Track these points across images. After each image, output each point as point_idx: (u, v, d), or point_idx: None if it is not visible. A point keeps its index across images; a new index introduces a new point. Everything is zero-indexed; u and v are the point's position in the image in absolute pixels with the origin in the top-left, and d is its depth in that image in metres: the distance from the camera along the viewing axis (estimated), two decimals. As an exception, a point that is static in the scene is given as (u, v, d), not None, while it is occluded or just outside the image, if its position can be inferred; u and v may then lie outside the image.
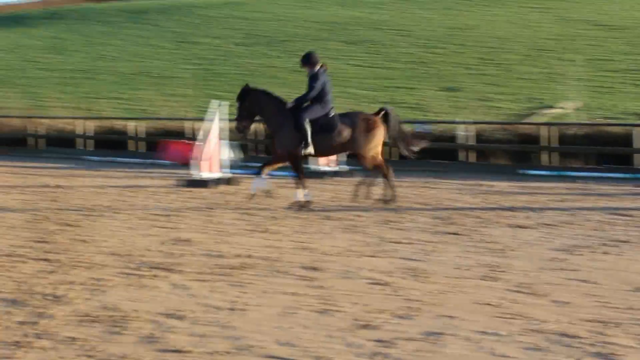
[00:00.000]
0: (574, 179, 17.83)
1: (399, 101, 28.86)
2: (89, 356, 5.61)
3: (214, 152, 16.78)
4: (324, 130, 13.21)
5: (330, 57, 36.92)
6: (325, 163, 18.97)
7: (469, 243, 9.84)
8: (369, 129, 13.30)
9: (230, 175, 17.09)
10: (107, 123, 28.15)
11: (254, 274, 8.14)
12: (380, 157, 13.49)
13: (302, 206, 13.08)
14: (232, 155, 18.71)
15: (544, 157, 20.54)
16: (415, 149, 14.09)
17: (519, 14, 45.23)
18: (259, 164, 14.46)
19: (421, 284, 7.63)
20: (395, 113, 14.01)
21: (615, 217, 11.93)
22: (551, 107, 26.36)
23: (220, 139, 16.98)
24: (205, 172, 16.58)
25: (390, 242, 9.96)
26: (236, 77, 31.94)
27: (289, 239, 10.23)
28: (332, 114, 13.37)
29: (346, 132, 13.24)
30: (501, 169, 20.18)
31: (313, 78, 13.36)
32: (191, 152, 17.43)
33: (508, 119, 24.73)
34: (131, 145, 26.15)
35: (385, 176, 13.45)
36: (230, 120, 16.38)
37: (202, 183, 16.35)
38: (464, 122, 21.84)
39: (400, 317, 6.49)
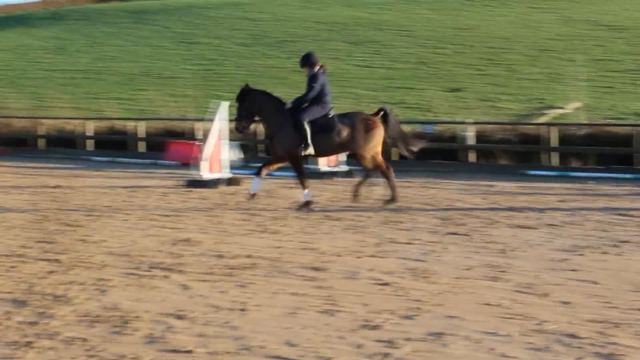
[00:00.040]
0: (580, 179, 17.82)
1: (402, 101, 28.85)
2: (91, 356, 5.62)
3: (216, 153, 16.80)
4: (324, 130, 13.24)
5: (332, 58, 36.93)
6: (327, 163, 18.99)
7: (472, 243, 9.85)
8: (368, 129, 13.33)
9: (232, 175, 17.11)
10: (109, 123, 28.20)
11: (257, 274, 8.15)
12: (380, 157, 13.52)
13: (304, 206, 13.10)
14: (234, 155, 18.74)
15: (547, 158, 20.54)
16: (415, 149, 14.12)
17: (521, 14, 45.16)
18: (260, 164, 14.48)
19: (424, 284, 7.64)
20: (395, 113, 14.02)
21: (618, 217, 11.93)
22: (553, 107, 26.33)
23: (222, 139, 17.00)
24: (208, 173, 16.60)
25: (393, 242, 9.97)
26: (238, 78, 31.89)
27: (292, 239, 10.24)
28: (332, 114, 13.41)
29: (345, 132, 13.27)
30: (504, 169, 20.18)
31: (312, 78, 13.39)
32: (193, 153, 17.46)
33: (511, 119, 24.71)
34: (133, 146, 26.19)
35: (385, 176, 13.47)
36: (231, 120, 16.41)
37: (205, 183, 16.37)
38: (466, 122, 21.84)
39: (403, 317, 6.50)
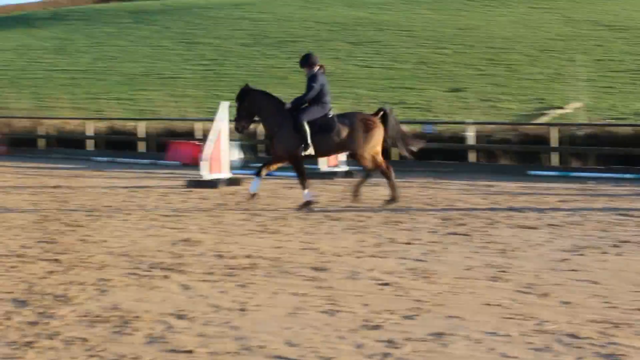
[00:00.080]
0: (582, 179, 17.81)
1: (404, 102, 28.85)
2: (92, 356, 5.62)
3: (221, 153, 16.81)
4: (323, 130, 13.25)
5: (333, 58, 36.95)
6: (327, 163, 19.00)
7: (475, 243, 9.85)
8: (368, 129, 13.34)
9: (237, 175, 17.11)
10: (110, 123, 28.22)
11: (257, 274, 8.15)
12: (380, 157, 13.53)
13: (304, 206, 13.10)
14: (238, 155, 18.76)
15: (553, 158, 20.53)
16: (414, 149, 14.14)
17: (522, 14, 45.17)
18: (260, 164, 14.48)
19: (428, 285, 7.64)
20: (394, 113, 14.02)
21: (622, 217, 11.92)
22: (554, 107, 26.33)
23: (228, 139, 17.01)
24: (212, 173, 16.60)
25: (393, 242, 9.97)
26: (239, 78, 31.93)
27: (296, 240, 10.24)
28: (331, 114, 13.42)
29: (345, 132, 13.28)
30: (507, 169, 20.18)
31: (312, 79, 13.41)
32: (198, 153, 17.47)
33: (511, 119, 24.71)
34: (140, 146, 26.19)
35: (386, 176, 13.48)
36: (231, 120, 16.43)
37: (209, 184, 16.38)
38: (470, 123, 21.84)
39: (407, 317, 6.50)
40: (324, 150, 13.64)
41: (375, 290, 7.46)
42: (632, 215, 12.08)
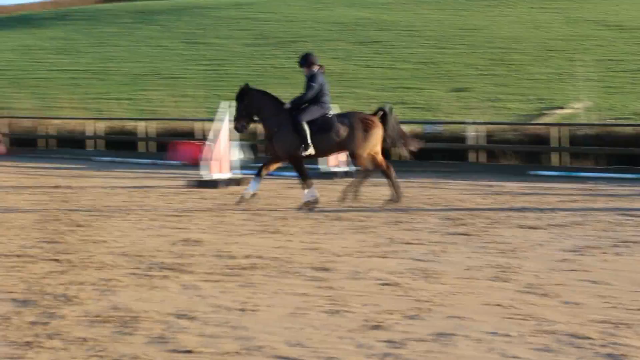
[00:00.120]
0: (583, 179, 17.80)
1: (408, 101, 28.85)
2: (96, 356, 5.61)
3: (224, 153, 16.81)
4: (322, 130, 13.26)
5: (335, 58, 36.96)
6: (331, 163, 19.00)
7: (479, 244, 9.84)
8: (367, 128, 13.35)
9: (240, 176, 17.11)
10: (116, 124, 28.23)
11: (264, 275, 8.14)
12: (380, 156, 13.54)
13: (306, 206, 13.10)
14: (242, 155, 18.76)
15: (554, 158, 20.52)
16: (413, 149, 14.15)
17: (528, 15, 45.16)
18: (260, 164, 14.47)
19: (431, 285, 7.63)
20: (394, 113, 14.02)
21: (626, 217, 11.91)
22: (561, 107, 26.32)
23: (230, 139, 17.01)
24: (215, 173, 16.60)
25: (400, 242, 9.96)
26: (242, 78, 31.96)
27: (299, 240, 10.24)
28: (330, 114, 13.42)
29: (344, 132, 13.28)
30: (511, 169, 20.18)
31: (311, 78, 13.41)
32: (201, 153, 17.47)
33: (518, 119, 24.70)
34: (141, 146, 26.21)
35: (387, 176, 13.48)
36: (231, 120, 16.42)
37: (212, 184, 16.38)
38: (473, 123, 21.84)
39: (411, 317, 6.49)
40: (323, 150, 13.65)
41: (377, 290, 7.45)
42: (633, 215, 12.07)
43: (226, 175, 16.84)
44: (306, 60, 13.61)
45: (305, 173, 13.45)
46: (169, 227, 11.30)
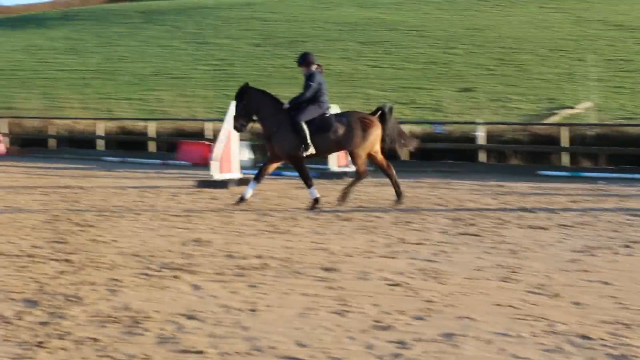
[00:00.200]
0: (593, 180, 17.76)
1: (415, 101, 28.83)
2: (106, 356, 5.63)
3: (232, 153, 16.83)
4: (321, 129, 13.27)
5: (346, 58, 36.95)
6: (338, 163, 19.01)
7: (487, 244, 9.83)
8: (365, 128, 13.36)
9: (247, 175, 17.12)
10: (124, 124, 28.27)
11: (271, 275, 8.15)
12: (380, 155, 13.56)
13: (312, 206, 13.12)
14: (251, 155, 18.79)
15: (564, 158, 20.49)
16: (412, 148, 14.16)
17: (535, 14, 45.06)
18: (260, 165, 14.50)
19: (439, 285, 7.63)
20: (393, 112, 14.00)
21: (633, 218, 11.89)
22: (568, 107, 26.27)
23: (238, 139, 17.03)
24: (225, 173, 16.62)
25: (407, 242, 9.96)
26: (249, 78, 31.99)
27: (308, 240, 10.24)
28: (329, 114, 13.44)
29: (342, 131, 13.30)
30: (518, 169, 20.14)
31: (309, 78, 13.42)
32: (208, 153, 17.49)
33: (527, 119, 24.67)
34: (150, 146, 26.25)
35: (387, 175, 13.51)
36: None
37: (219, 184, 16.40)
38: (481, 123, 21.82)
39: (420, 318, 6.49)
40: (322, 149, 13.65)
41: (386, 290, 7.46)
42: (643, 216, 12.04)
43: (236, 175, 16.86)
44: (304, 60, 13.62)
45: (307, 172, 13.46)
46: (178, 228, 11.32)
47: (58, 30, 55.19)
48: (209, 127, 24.69)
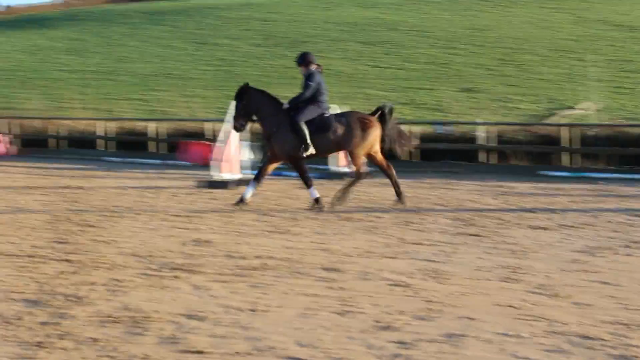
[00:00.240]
0: (594, 180, 17.75)
1: (418, 102, 28.83)
2: (107, 356, 5.63)
3: (234, 154, 16.82)
4: (320, 129, 13.26)
5: (346, 58, 36.94)
6: (346, 164, 18.99)
7: (490, 244, 9.82)
8: (364, 128, 13.35)
9: (250, 176, 17.11)
10: (126, 124, 28.24)
11: (274, 275, 8.15)
12: (380, 155, 13.56)
13: (314, 205, 13.11)
14: (252, 156, 18.76)
15: (564, 158, 20.47)
16: (411, 148, 14.16)
17: (538, 15, 45.05)
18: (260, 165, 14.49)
19: (441, 286, 7.62)
20: (393, 113, 13.99)
21: (634, 218, 11.87)
22: (571, 108, 26.26)
23: (238, 139, 17.02)
24: (225, 174, 16.62)
25: (410, 243, 9.96)
26: (251, 78, 32.01)
27: (309, 240, 10.24)
28: (328, 113, 13.43)
29: (341, 131, 13.29)
30: (521, 170, 20.11)
31: (309, 78, 13.41)
32: (211, 153, 17.48)
33: (528, 120, 24.65)
34: (151, 147, 26.24)
35: (387, 175, 13.50)
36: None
37: (220, 184, 16.39)
38: (483, 123, 21.80)
39: (421, 318, 6.49)
40: (322, 149, 13.64)
41: (387, 290, 7.45)
42: (644, 216, 12.03)
43: (237, 175, 16.85)
44: (304, 59, 13.61)
45: (306, 172, 13.45)
46: (179, 228, 11.32)
47: (59, 30, 55.20)
48: (209, 127, 24.67)
